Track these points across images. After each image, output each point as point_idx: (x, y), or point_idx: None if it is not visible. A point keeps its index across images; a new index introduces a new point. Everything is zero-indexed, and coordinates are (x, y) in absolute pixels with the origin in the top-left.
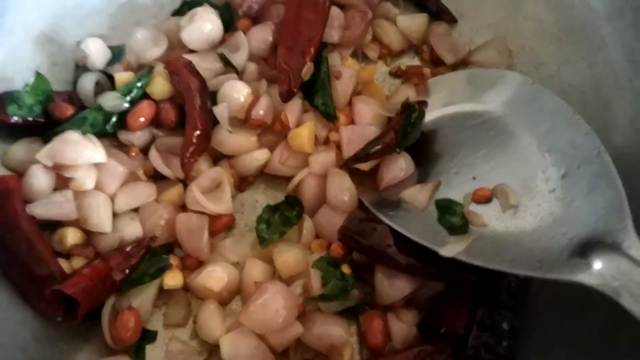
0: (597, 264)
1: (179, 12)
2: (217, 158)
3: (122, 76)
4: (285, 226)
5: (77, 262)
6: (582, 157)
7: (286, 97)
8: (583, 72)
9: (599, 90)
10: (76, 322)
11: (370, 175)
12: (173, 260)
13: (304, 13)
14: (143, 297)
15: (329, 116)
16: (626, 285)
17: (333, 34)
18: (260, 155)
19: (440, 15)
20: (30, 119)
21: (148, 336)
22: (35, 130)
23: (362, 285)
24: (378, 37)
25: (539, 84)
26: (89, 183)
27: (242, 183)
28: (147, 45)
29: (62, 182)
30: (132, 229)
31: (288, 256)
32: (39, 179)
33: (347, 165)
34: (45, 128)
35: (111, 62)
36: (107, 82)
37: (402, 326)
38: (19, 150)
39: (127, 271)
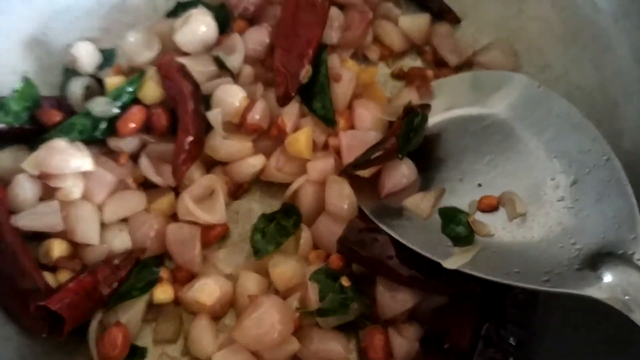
0: (607, 277)
1: (173, 13)
2: (211, 165)
3: (112, 80)
4: (282, 236)
5: (64, 275)
6: (591, 163)
7: (283, 101)
8: (590, 74)
9: (607, 92)
10: (62, 339)
11: (371, 182)
12: (163, 273)
13: (301, 14)
14: (132, 312)
15: (328, 121)
16: (637, 298)
17: (332, 35)
18: (255, 162)
19: (443, 15)
20: (17, 125)
21: (137, 353)
22: (22, 138)
23: (362, 298)
24: (379, 38)
25: (545, 87)
26: (76, 192)
27: (237, 191)
28: (139, 48)
29: (48, 191)
30: (121, 240)
31: (284, 268)
32: (25, 189)
33: (347, 172)
34: (32, 135)
35: (102, 65)
36: (97, 86)
37: (404, 341)
38: (4, 158)
39: (115, 285)
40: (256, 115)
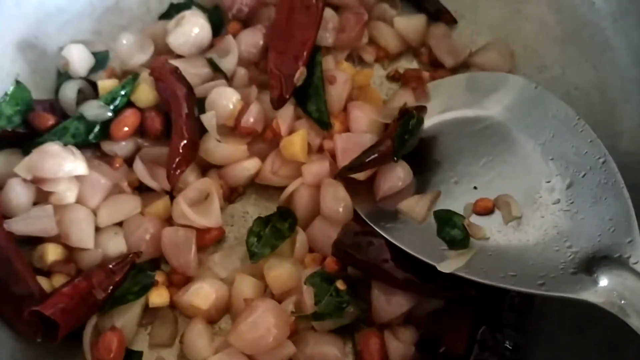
0: (603, 281)
1: (167, 15)
2: (206, 168)
3: (105, 83)
4: (277, 239)
5: (58, 280)
6: (588, 165)
7: (278, 103)
8: (588, 75)
9: (605, 93)
10: (56, 344)
11: (367, 185)
12: (159, 277)
13: (295, 15)
14: (127, 317)
15: (322, 123)
16: (633, 303)
17: (327, 37)
18: (250, 165)
19: (440, 16)
20: (9, 129)
21: (132, 357)
22: (14, 142)
23: (357, 301)
24: (374, 40)
25: (542, 88)
26: (70, 197)
27: (232, 194)
28: (132, 50)
29: (42, 195)
30: (116, 244)
31: (280, 271)
32: (18, 193)
33: (341, 175)
34: (25, 139)
35: (95, 68)
36: (90, 89)
37: (400, 345)
38: None
39: (110, 289)
40: (250, 118)
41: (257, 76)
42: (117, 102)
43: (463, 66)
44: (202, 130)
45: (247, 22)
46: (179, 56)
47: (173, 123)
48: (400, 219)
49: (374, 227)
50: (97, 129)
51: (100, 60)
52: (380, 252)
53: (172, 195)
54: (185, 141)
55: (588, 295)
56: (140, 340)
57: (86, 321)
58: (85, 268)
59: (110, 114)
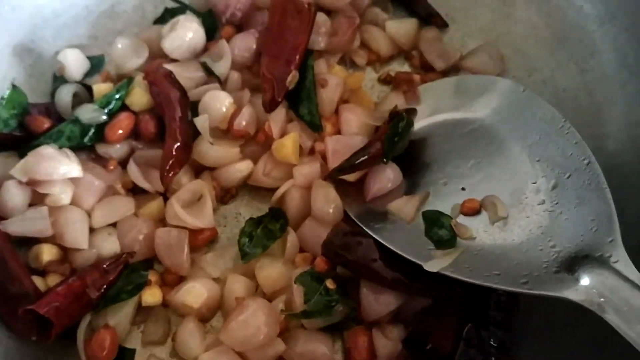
0: (584, 280)
1: (161, 20)
2: (199, 170)
3: (100, 87)
4: (269, 240)
5: (53, 279)
6: (573, 167)
7: (270, 106)
8: (576, 78)
9: (592, 96)
10: (50, 342)
11: (357, 186)
12: (152, 276)
13: (288, 20)
14: (120, 315)
15: (314, 126)
16: (612, 301)
17: (319, 41)
18: (243, 167)
19: (431, 19)
20: (6, 132)
21: (126, 355)
22: (11, 145)
23: (347, 300)
24: (366, 43)
25: (530, 91)
26: (65, 198)
27: (225, 195)
28: (127, 54)
29: (37, 197)
30: (110, 245)
31: (270, 271)
32: (14, 195)
33: (332, 176)
34: (21, 142)
35: (90, 72)
36: (85, 93)
37: (388, 343)
38: None
39: (103, 288)
40: (243, 121)
41: (250, 80)
42: (111, 106)
43: (454, 69)
44: (196, 133)
45: (240, 26)
46: (173, 60)
47: (167, 126)
48: (390, 219)
49: (364, 227)
50: (92, 132)
51: (96, 64)
52: (369, 252)
53: (165, 196)
54: (178, 144)
55: (569, 294)
56: (133, 338)
57: (80, 319)
58: (80, 268)
59: (105, 117)
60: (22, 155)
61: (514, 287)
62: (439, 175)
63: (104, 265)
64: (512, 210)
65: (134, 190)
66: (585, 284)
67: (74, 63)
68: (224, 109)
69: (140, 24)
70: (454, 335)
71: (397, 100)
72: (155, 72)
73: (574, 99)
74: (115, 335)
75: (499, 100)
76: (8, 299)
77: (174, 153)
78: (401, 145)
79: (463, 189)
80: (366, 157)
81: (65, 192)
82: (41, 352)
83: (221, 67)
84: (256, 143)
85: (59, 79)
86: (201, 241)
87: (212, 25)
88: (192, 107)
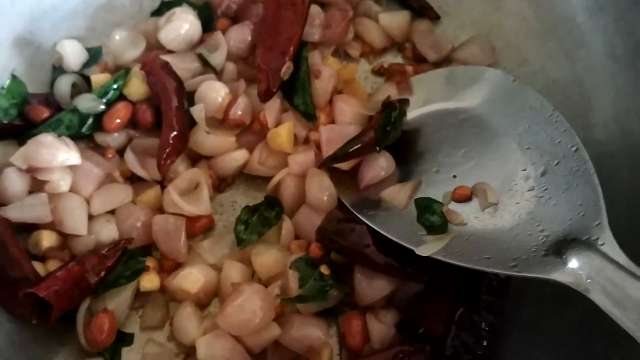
0: (572, 262)
1: (158, 12)
2: (195, 159)
3: (98, 78)
4: (264, 227)
5: (53, 265)
6: (561, 154)
7: (265, 97)
8: (566, 69)
9: (582, 86)
10: (50, 325)
11: (351, 174)
12: (150, 263)
13: (282, 12)
14: (119, 300)
15: (308, 116)
16: (598, 282)
17: (314, 33)
18: (239, 156)
19: (423, 12)
20: (6, 122)
21: (124, 339)
22: (11, 133)
23: (341, 285)
24: (360, 35)
25: (519, 81)
26: (64, 185)
27: (221, 184)
28: (124, 46)
29: (37, 184)
30: (108, 231)
31: (266, 257)
32: (14, 182)
33: (326, 164)
34: (21, 131)
35: (88, 63)
36: (83, 83)
37: (381, 327)
38: None
39: (102, 273)
40: (238, 110)
41: (245, 70)
42: (109, 96)
43: (446, 61)
44: (192, 123)
45: (235, 18)
46: (170, 51)
47: (163, 115)
48: (383, 206)
49: (357, 214)
50: (90, 121)
51: (94, 55)
52: (362, 238)
53: (162, 184)
54: (175, 133)
55: (557, 276)
56: (132, 322)
57: (79, 304)
58: (79, 254)
59: (102, 106)
60: (21, 144)
61: (503, 270)
62: (431, 164)
63: (103, 251)
64: (502, 196)
65: (132, 179)
66: (573, 267)
67: (72, 54)
68: (220, 99)
69: (137, 17)
70: (446, 320)
71: (390, 91)
72: (152, 63)
73: (563, 90)
74: (114, 319)
75: (490, 90)
76: (9, 283)
77: (170, 142)
78: (394, 135)
79: (454, 176)
80: (359, 145)
81: (64, 180)
82: (41, 336)
83: (217, 58)
84: (252, 132)
85: (58, 70)
86: (198, 228)
87: (208, 17)
88: (189, 97)
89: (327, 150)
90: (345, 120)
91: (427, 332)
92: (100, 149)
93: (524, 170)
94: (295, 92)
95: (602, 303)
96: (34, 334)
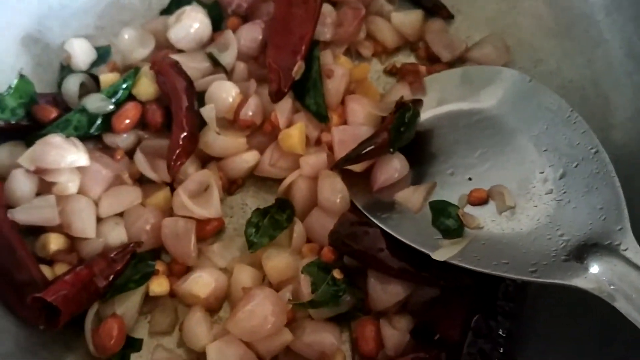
0: (594, 267)
1: (167, 11)
2: (205, 160)
3: (107, 77)
4: (275, 230)
5: (60, 269)
6: (580, 156)
7: (276, 97)
8: (583, 68)
9: (599, 86)
10: (57, 330)
11: (364, 176)
12: (159, 266)
13: (294, 10)
14: (128, 304)
15: (320, 116)
16: (621, 288)
17: (325, 32)
18: (249, 157)
19: (436, 11)
20: (13, 122)
21: (133, 344)
22: (18, 134)
23: (354, 290)
24: (372, 35)
25: (536, 81)
26: (72, 187)
27: (231, 186)
28: (133, 45)
29: (45, 186)
30: (117, 234)
31: (277, 261)
32: (21, 184)
33: (338, 166)
34: (29, 131)
35: (97, 62)
36: (92, 83)
37: (395, 333)
38: (1, 154)
39: (111, 277)
40: (249, 111)
41: (256, 70)
42: (118, 96)
43: (459, 60)
44: (202, 123)
45: (246, 17)
46: (180, 51)
47: (173, 116)
48: (397, 209)
49: (371, 217)
50: (99, 121)
51: (102, 54)
52: (376, 242)
53: (172, 186)
54: (185, 133)
55: (579, 282)
56: (141, 328)
57: (88, 308)
58: (87, 257)
59: (111, 107)
60: (29, 144)
61: (522, 275)
62: (446, 166)
63: (112, 255)
64: (520, 199)
65: (141, 180)
66: (595, 272)
67: (81, 53)
68: (231, 99)
69: (147, 15)
70: (462, 325)
71: (403, 91)
72: (161, 62)
73: (580, 90)
74: (123, 324)
75: (505, 90)
76: (16, 287)
77: (180, 143)
78: (407, 136)
79: (470, 179)
80: (372, 147)
81: (73, 181)
82: (49, 341)
83: (227, 58)
84: (262, 133)
85: (66, 69)
86: (208, 231)
87: (218, 16)
88: (199, 97)
89: (340, 152)
90: (357, 121)
91: (443, 339)
92: (109, 150)
93: (542, 172)
94: (307, 92)
95: (625, 310)
96: (42, 339)
